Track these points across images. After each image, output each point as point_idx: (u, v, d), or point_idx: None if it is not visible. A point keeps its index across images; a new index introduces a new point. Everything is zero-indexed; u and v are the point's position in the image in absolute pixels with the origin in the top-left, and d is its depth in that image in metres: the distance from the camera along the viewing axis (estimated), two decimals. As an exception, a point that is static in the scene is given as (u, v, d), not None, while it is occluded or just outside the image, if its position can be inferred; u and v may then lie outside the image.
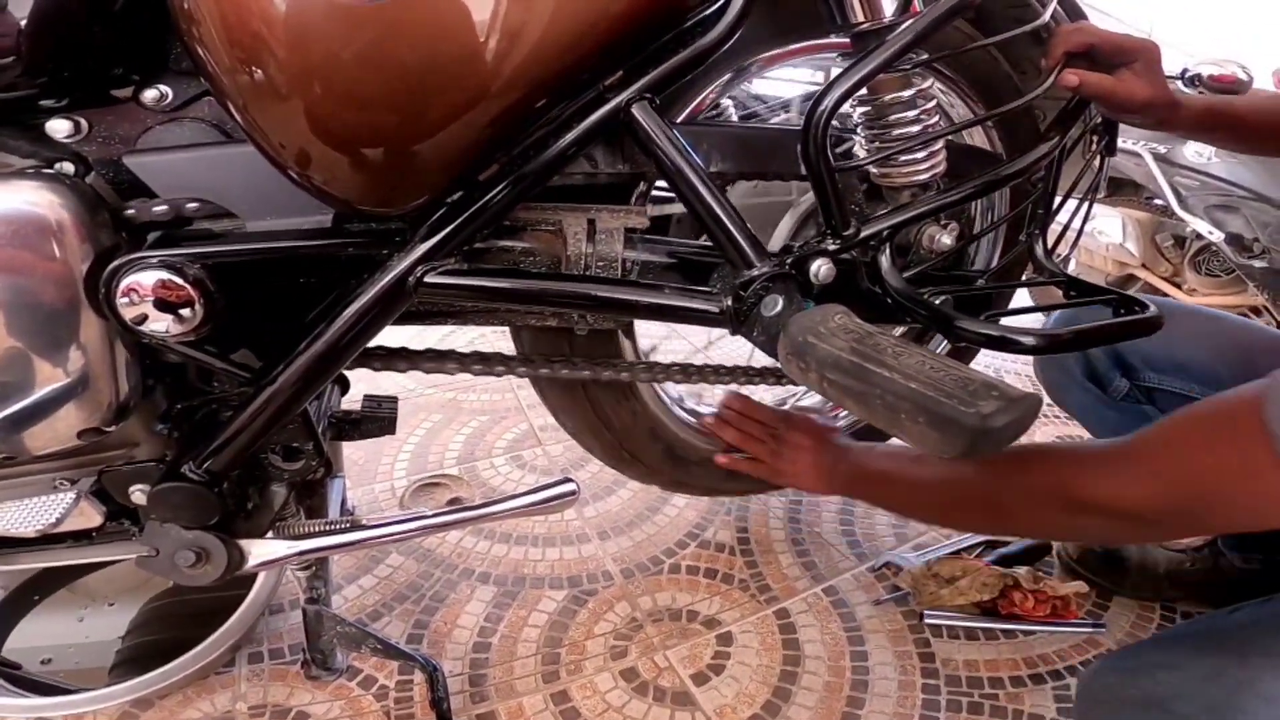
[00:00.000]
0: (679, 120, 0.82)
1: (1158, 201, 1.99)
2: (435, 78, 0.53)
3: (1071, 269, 2.42)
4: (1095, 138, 0.94)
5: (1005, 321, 0.74)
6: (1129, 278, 2.24)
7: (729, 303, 0.64)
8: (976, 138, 1.09)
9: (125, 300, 0.58)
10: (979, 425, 0.45)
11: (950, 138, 0.90)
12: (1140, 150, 1.96)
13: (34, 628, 1.10)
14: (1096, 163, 0.94)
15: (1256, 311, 2.03)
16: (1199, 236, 1.95)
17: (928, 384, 0.47)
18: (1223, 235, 1.87)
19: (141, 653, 1.04)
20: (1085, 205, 0.95)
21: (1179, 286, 2.14)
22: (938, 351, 1.27)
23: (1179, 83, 1.52)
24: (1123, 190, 2.19)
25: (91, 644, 1.08)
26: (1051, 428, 1.77)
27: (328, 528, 0.77)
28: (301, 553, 0.73)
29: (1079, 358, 1.04)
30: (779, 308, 0.60)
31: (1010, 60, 1.05)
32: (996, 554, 1.27)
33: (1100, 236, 2.17)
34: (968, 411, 0.45)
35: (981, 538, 1.32)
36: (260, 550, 0.71)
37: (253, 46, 0.52)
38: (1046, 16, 0.81)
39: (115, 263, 0.58)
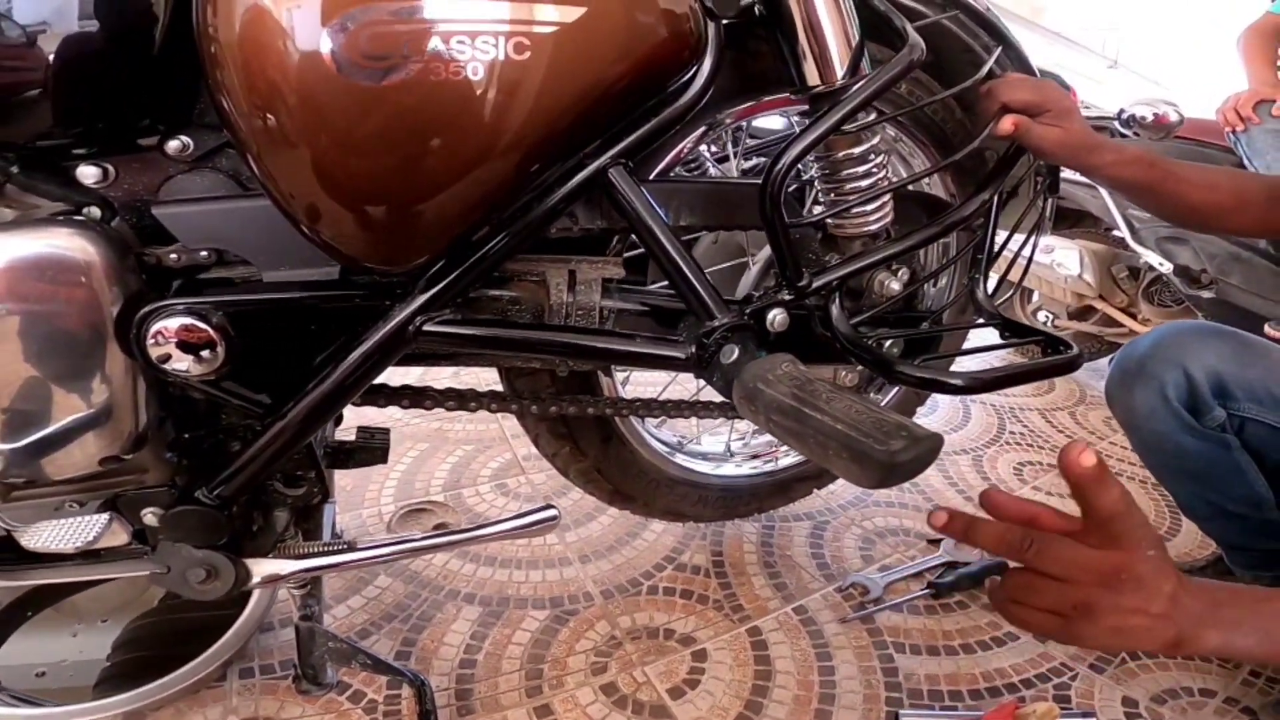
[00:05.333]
0: (659, 170, 0.89)
1: (1115, 233, 2.04)
2: (435, 153, 0.60)
3: (1035, 301, 2.51)
4: (1039, 178, 1.02)
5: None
6: (1087, 309, 2.31)
7: (693, 350, 0.72)
8: (933, 178, 1.16)
9: (153, 342, 0.64)
10: (888, 460, 0.53)
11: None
12: (1096, 182, 2.04)
13: (28, 644, 1.11)
14: (1040, 202, 1.02)
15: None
16: (1152, 268, 2.03)
17: (851, 425, 0.55)
18: (1171, 267, 1.93)
19: (127, 670, 1.06)
20: (1031, 242, 1.02)
21: (1134, 317, 2.21)
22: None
23: (1115, 123, 1.61)
24: (1082, 222, 2.26)
25: (85, 661, 1.09)
26: (1014, 453, 1.86)
27: (326, 548, 0.83)
28: (303, 570, 0.79)
29: (1180, 383, 1.03)
30: (735, 356, 0.68)
31: (964, 108, 1.13)
32: (956, 574, 1.33)
33: (1059, 269, 2.24)
34: (879, 449, 0.53)
35: (943, 559, 1.39)
36: (265, 568, 0.76)
37: (272, 110, 0.57)
38: (990, 65, 0.89)
39: (146, 308, 0.64)
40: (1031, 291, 2.48)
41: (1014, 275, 1.06)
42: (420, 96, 0.58)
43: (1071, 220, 2.25)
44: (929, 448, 0.54)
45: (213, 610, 1.09)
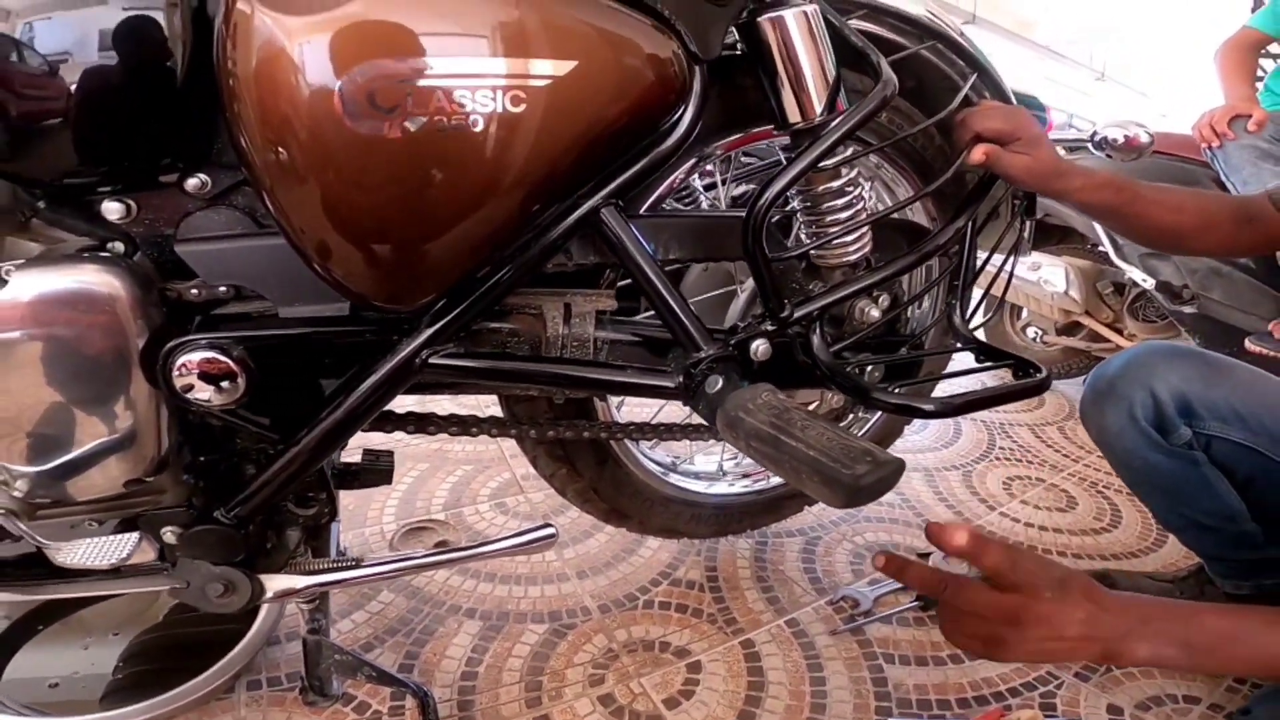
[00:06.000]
0: (651, 202, 0.93)
1: (1100, 249, 2.06)
2: (440, 199, 0.64)
3: (1023, 318, 2.56)
4: (1017, 201, 1.06)
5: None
6: (1074, 324, 2.34)
7: (681, 380, 0.77)
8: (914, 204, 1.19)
9: (177, 374, 0.68)
10: (853, 483, 0.58)
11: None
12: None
13: (41, 657, 1.13)
14: (1019, 224, 1.05)
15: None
16: (1136, 284, 2.02)
17: (821, 451, 0.60)
18: (1154, 282, 1.94)
19: (134, 682, 1.08)
20: (1011, 262, 1.06)
21: (1120, 332, 2.24)
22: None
23: (1089, 145, 1.64)
24: (1068, 239, 2.28)
25: (98, 673, 1.11)
26: (1003, 468, 1.89)
27: (335, 564, 0.87)
28: (315, 585, 0.83)
29: (1148, 404, 1.06)
30: (719, 386, 0.73)
31: (944, 134, 1.14)
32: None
33: (1046, 286, 2.27)
34: (845, 472, 0.58)
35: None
36: (279, 583, 0.81)
37: (285, 146, 0.60)
38: (964, 92, 0.93)
39: (171, 343, 0.68)
40: (1020, 308, 2.52)
41: (995, 294, 1.10)
42: (425, 145, 0.63)
43: (1057, 237, 2.27)
44: (891, 470, 0.59)
45: (218, 624, 1.12)
